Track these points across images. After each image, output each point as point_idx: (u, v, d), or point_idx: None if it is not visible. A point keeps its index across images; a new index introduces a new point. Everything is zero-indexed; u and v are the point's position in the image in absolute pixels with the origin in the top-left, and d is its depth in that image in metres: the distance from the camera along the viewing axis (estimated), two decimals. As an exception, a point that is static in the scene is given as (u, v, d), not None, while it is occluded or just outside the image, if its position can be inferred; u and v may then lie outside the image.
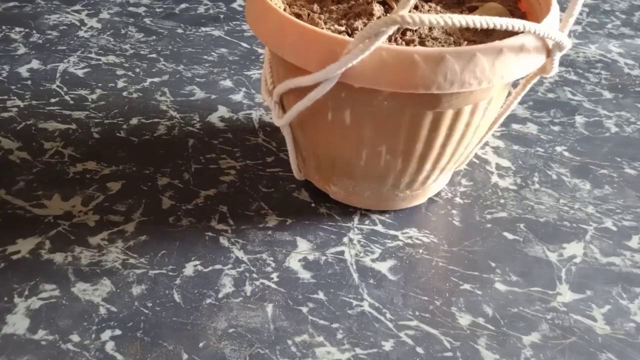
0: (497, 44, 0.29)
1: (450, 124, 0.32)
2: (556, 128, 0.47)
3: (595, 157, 0.44)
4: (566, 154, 0.44)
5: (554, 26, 0.31)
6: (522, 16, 0.35)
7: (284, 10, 0.34)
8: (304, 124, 0.34)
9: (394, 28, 0.26)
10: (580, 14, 0.63)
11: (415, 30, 0.32)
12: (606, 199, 0.40)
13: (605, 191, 0.41)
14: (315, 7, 0.34)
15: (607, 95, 0.51)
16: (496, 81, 0.29)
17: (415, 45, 0.31)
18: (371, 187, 0.36)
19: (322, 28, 0.32)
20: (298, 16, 0.33)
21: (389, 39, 0.31)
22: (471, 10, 0.34)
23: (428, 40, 0.31)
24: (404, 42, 0.31)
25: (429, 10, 0.34)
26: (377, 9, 0.33)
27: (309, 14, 0.33)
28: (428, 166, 0.34)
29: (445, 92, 0.29)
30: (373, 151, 0.33)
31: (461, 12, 0.34)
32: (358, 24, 0.32)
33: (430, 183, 0.37)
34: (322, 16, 0.33)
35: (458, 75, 0.28)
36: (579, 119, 0.48)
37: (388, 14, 0.32)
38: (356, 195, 0.37)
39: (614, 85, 0.52)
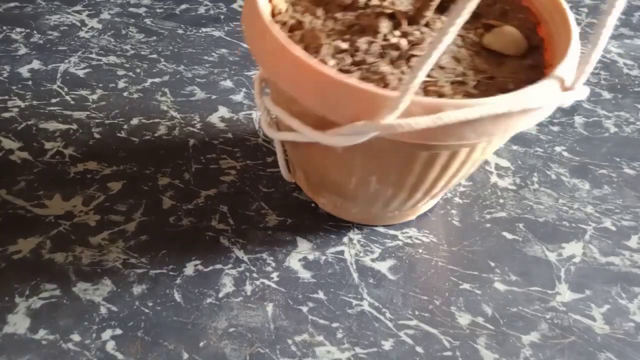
0: (504, 101, 0.26)
1: (446, 163, 0.30)
2: (555, 128, 0.47)
3: (594, 157, 0.44)
4: (565, 154, 0.44)
5: (572, 67, 0.29)
6: (540, 42, 0.33)
7: (286, 11, 0.32)
8: (296, 142, 0.33)
9: (375, 133, 0.26)
10: (579, 14, 0.63)
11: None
12: (605, 199, 0.40)
13: (604, 191, 0.41)
14: (320, 11, 0.32)
15: (606, 95, 0.51)
16: (497, 136, 0.27)
17: None
18: (359, 207, 0.36)
19: (322, 44, 0.30)
20: (299, 23, 0.32)
21: (392, 64, 0.29)
22: (486, 29, 0.32)
23: (434, 69, 0.30)
24: (408, 68, 0.29)
25: (441, 28, 0.32)
26: (385, 25, 0.31)
27: (311, 22, 0.32)
28: (419, 195, 0.33)
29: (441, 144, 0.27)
30: (363, 180, 0.32)
31: (475, 29, 0.32)
32: (361, 42, 0.30)
33: (421, 206, 0.37)
34: (325, 25, 0.31)
35: (456, 130, 0.26)
36: (578, 119, 0.48)
37: (396, 31, 0.31)
38: (344, 210, 0.37)
39: (613, 85, 0.52)
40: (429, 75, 0.29)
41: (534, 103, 0.27)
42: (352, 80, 0.27)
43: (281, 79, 0.28)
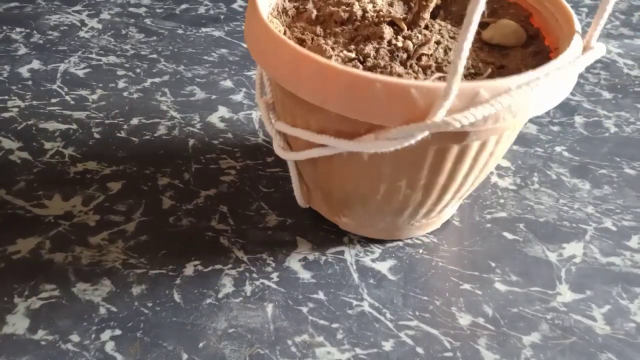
0: (531, 75, 0.26)
1: (476, 155, 0.30)
2: (555, 128, 0.47)
3: (594, 157, 0.44)
4: (565, 154, 0.44)
5: (579, 44, 0.29)
6: (537, 32, 0.33)
7: (284, 33, 0.32)
8: (315, 160, 0.32)
9: (431, 132, 0.26)
10: (580, 14, 0.63)
11: (431, 55, 0.30)
12: (606, 199, 0.40)
13: (604, 191, 0.41)
14: (318, 29, 0.32)
15: (607, 95, 0.51)
16: (529, 114, 0.27)
17: (432, 71, 0.29)
18: (386, 220, 0.35)
19: (332, 55, 0.29)
20: (302, 41, 0.31)
21: (404, 65, 0.29)
22: (482, 27, 0.32)
23: (445, 65, 0.29)
24: (420, 68, 0.29)
25: (440, 30, 0.32)
26: (387, 31, 0.31)
27: (312, 39, 0.31)
28: (448, 197, 0.33)
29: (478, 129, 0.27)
30: (392, 186, 0.31)
31: None
32: (369, 49, 0.30)
33: (446, 211, 0.36)
34: (328, 41, 0.31)
35: (494, 111, 0.26)
36: (579, 119, 0.48)
37: (399, 36, 0.31)
38: (369, 227, 0.36)
39: (613, 85, 0.52)
40: (442, 71, 0.29)
41: (569, 67, 0.27)
42: (390, 78, 0.26)
43: (304, 88, 0.27)
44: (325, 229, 0.37)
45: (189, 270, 0.34)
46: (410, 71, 0.29)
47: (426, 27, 0.32)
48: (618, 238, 0.37)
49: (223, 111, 0.47)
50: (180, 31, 0.57)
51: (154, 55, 0.53)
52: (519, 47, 0.32)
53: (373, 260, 0.35)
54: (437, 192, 0.32)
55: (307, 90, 0.27)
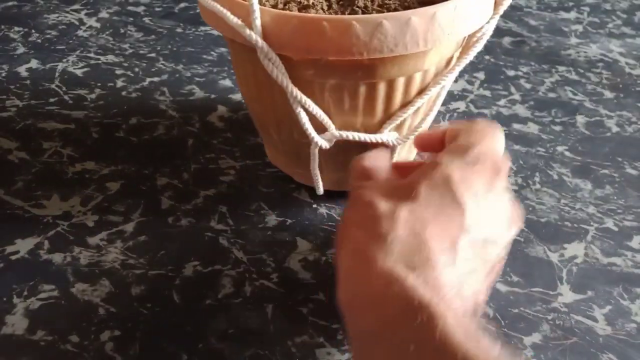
0: (430, 8, 0.30)
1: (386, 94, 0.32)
2: (557, 128, 0.46)
3: (596, 157, 0.44)
4: (567, 153, 0.44)
5: None
6: None
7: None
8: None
9: None
10: (581, 13, 0.63)
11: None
12: (607, 199, 0.40)
13: (606, 191, 0.41)
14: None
15: (608, 95, 0.51)
16: (430, 44, 0.30)
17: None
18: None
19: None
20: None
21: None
22: None
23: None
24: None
25: None
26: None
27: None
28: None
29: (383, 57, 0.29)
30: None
31: None
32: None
33: None
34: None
35: (394, 39, 0.29)
36: (580, 119, 0.48)
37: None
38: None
39: (615, 85, 0.52)
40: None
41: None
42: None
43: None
44: (325, 229, 0.37)
45: (188, 270, 0.34)
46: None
47: None
48: (619, 238, 0.37)
49: (222, 110, 0.47)
50: (179, 30, 0.57)
51: (153, 54, 0.53)
52: None
53: (373, 261, 0.35)
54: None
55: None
